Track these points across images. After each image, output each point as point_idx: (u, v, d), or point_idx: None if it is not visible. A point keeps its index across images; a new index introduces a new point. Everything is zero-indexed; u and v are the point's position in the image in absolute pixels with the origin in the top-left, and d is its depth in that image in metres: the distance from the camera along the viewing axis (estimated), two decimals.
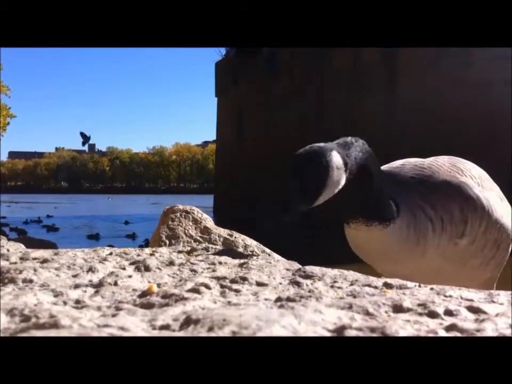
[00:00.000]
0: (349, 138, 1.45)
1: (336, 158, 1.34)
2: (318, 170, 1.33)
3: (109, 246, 1.47)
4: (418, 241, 1.50)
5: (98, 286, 0.90)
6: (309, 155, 1.35)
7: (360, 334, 0.62)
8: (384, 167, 1.66)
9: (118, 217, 24.11)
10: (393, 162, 1.72)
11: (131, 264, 1.10)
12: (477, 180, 1.62)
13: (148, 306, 0.76)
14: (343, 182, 1.37)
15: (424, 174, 1.59)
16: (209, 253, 1.32)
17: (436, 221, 1.51)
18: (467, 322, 0.67)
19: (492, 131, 11.70)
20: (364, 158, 1.43)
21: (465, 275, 1.64)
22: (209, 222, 1.66)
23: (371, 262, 1.61)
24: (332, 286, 0.92)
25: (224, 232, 1.60)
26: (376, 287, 0.91)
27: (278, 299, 0.81)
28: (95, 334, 0.59)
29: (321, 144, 1.37)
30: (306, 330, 0.63)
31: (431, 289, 0.88)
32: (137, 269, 1.05)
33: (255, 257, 1.32)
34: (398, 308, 0.74)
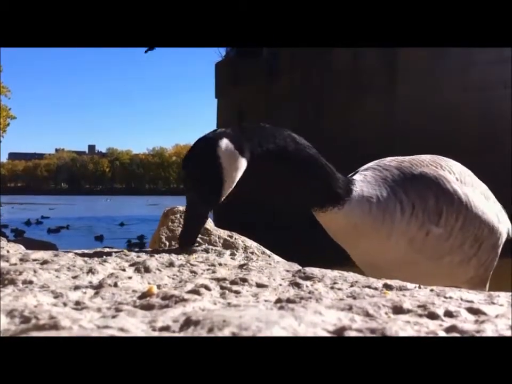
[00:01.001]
0: (261, 124, 1.40)
1: (224, 146, 1.29)
2: (206, 168, 1.28)
3: (107, 247, 1.47)
4: (383, 219, 1.48)
5: (98, 287, 0.90)
6: (193, 154, 1.30)
7: (360, 335, 0.62)
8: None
9: (116, 218, 24.06)
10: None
11: (131, 265, 1.10)
12: (456, 175, 1.61)
13: (148, 307, 0.76)
14: (242, 166, 1.32)
15: (403, 166, 1.59)
16: (209, 254, 1.32)
17: (406, 205, 1.50)
18: (467, 323, 0.67)
19: (492, 131, 11.71)
20: (281, 142, 1.38)
21: (444, 271, 1.62)
22: (209, 223, 1.66)
23: (343, 245, 1.60)
24: (332, 288, 0.91)
25: (224, 233, 1.60)
26: (376, 289, 0.91)
27: (278, 300, 0.80)
28: (95, 335, 0.59)
29: (209, 134, 1.32)
30: (306, 331, 0.62)
31: (431, 290, 0.88)
32: (137, 270, 1.05)
33: (255, 259, 1.31)
34: (398, 309, 0.73)
